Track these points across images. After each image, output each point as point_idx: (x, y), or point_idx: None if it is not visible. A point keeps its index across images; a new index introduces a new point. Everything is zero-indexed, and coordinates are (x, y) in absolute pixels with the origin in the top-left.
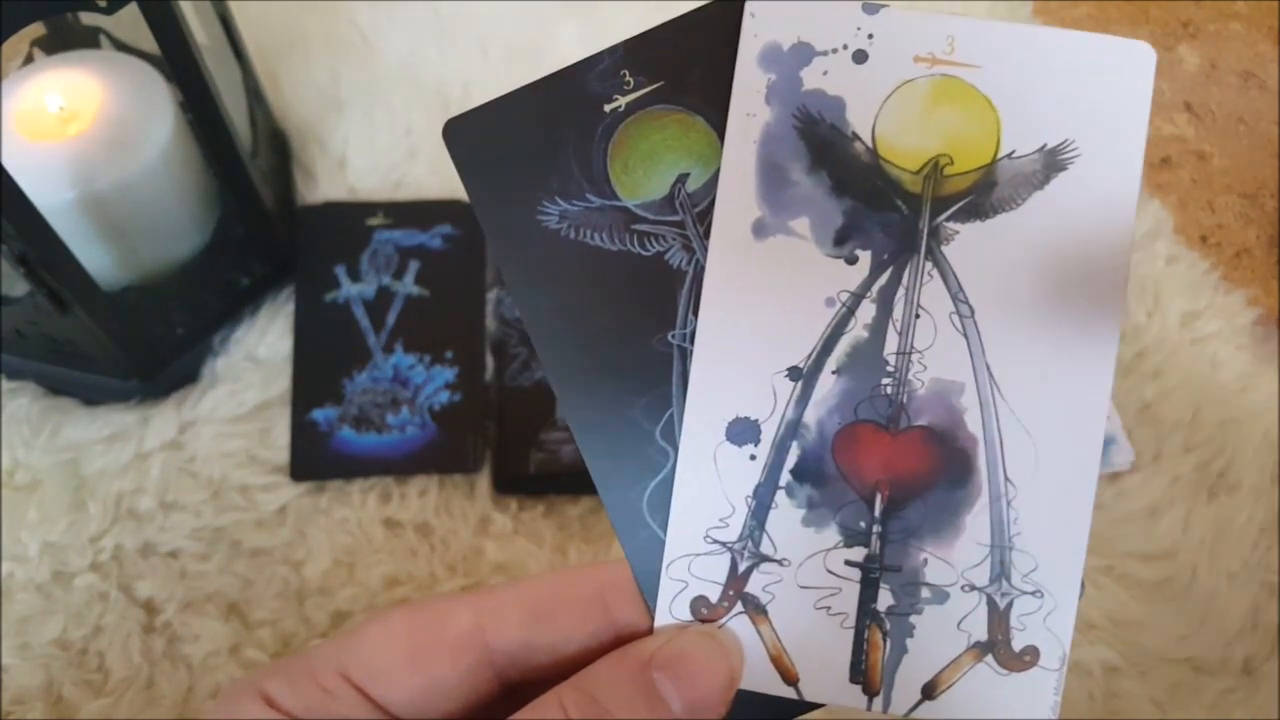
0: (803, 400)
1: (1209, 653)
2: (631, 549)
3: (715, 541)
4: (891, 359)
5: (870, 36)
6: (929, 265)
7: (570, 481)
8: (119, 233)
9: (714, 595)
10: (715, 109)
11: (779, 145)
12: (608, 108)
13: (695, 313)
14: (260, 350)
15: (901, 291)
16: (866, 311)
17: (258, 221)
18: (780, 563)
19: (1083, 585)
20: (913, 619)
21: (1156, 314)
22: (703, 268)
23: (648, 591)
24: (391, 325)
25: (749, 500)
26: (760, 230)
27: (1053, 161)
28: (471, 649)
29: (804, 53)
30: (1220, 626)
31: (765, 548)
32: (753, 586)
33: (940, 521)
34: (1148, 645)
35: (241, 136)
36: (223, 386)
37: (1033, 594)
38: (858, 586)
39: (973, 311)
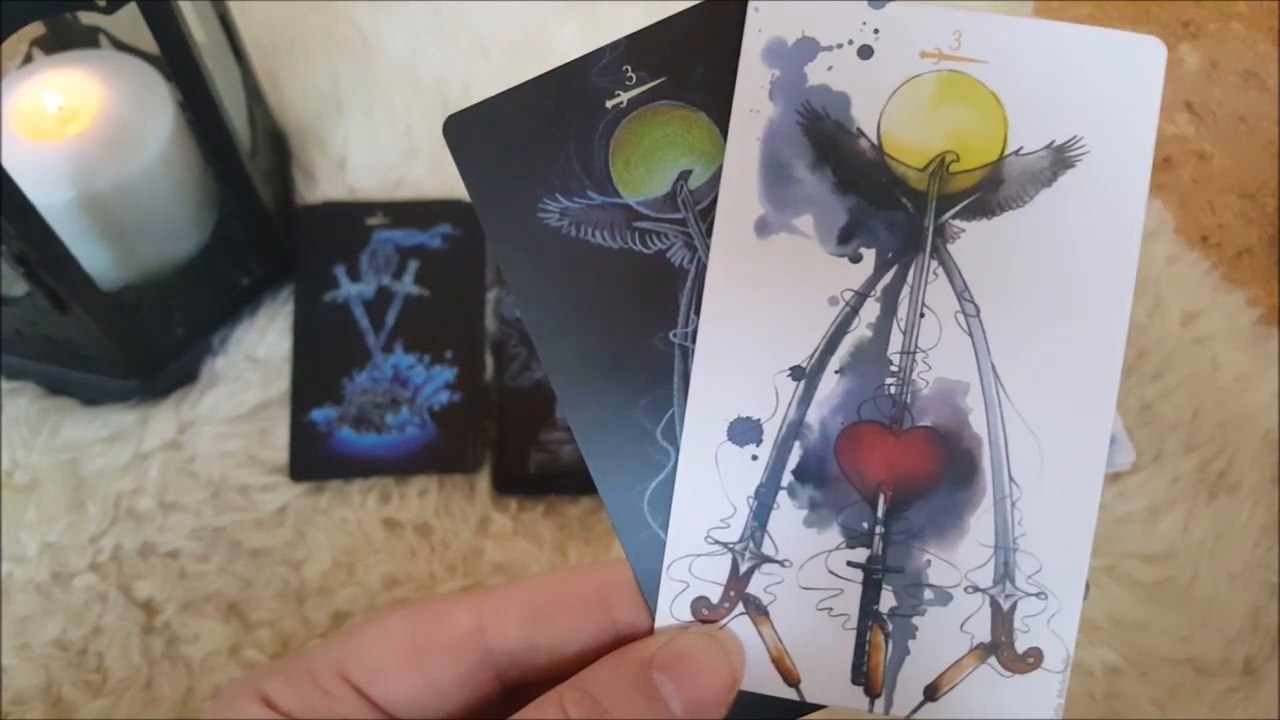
0: (805, 400)
1: (1210, 653)
2: (632, 549)
3: (716, 542)
4: (895, 358)
5: (876, 31)
6: (934, 264)
7: (570, 481)
8: (118, 233)
9: (715, 596)
10: (718, 105)
11: (782, 142)
12: (609, 104)
13: (697, 311)
14: (260, 350)
15: (906, 290)
16: (870, 310)
17: (257, 221)
18: (782, 563)
19: (1087, 587)
20: (915, 620)
21: (1157, 314)
22: (705, 266)
23: (648, 592)
24: (391, 325)
25: (750, 501)
26: (763, 228)
27: (1061, 159)
28: (471, 649)
29: (808, 48)
30: (1221, 627)
31: (767, 548)
32: (754, 587)
33: (944, 523)
34: (1148, 646)
35: (241, 136)
36: (222, 386)
37: (1037, 595)
38: (860, 588)
39: (978, 310)
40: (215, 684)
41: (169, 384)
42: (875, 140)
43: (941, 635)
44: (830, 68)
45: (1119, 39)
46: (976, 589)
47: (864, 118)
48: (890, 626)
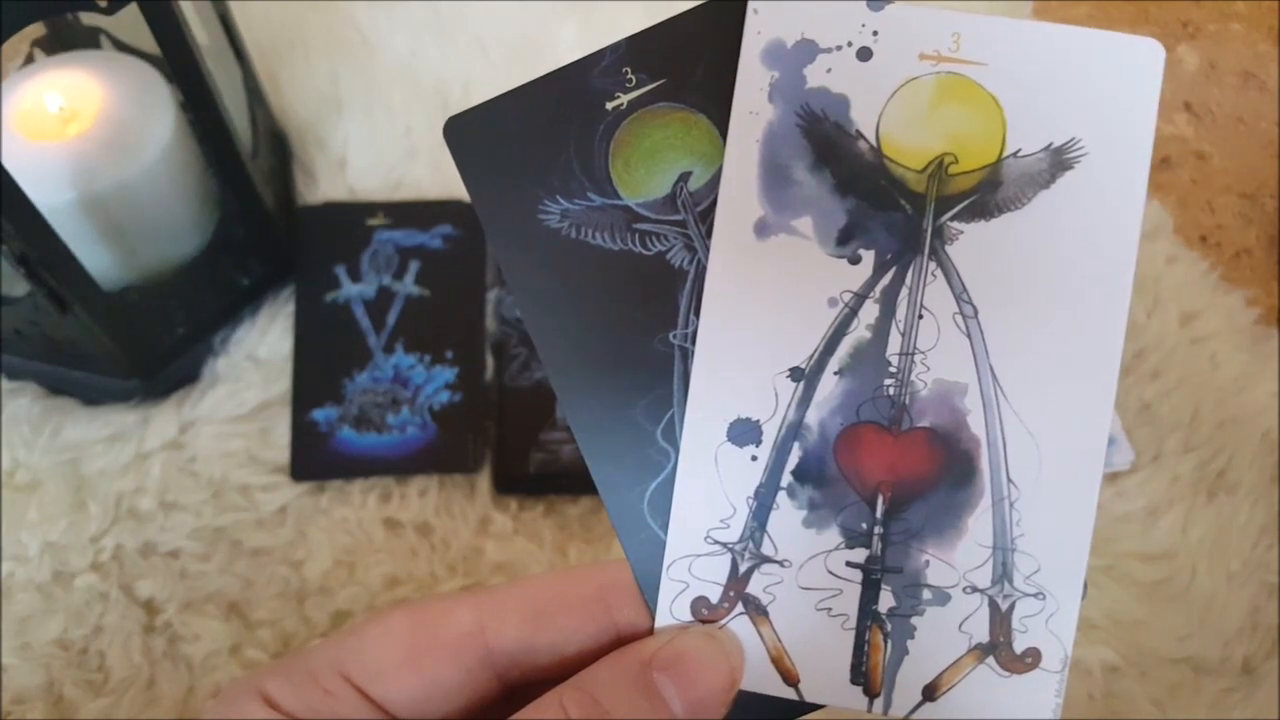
0: (804, 401)
1: (1209, 653)
2: (632, 549)
3: (716, 542)
4: (894, 360)
5: (875, 33)
6: (933, 265)
7: (570, 481)
8: (119, 233)
9: (715, 596)
10: (718, 107)
11: (782, 144)
12: (609, 105)
13: (697, 313)
14: (260, 350)
15: (905, 292)
16: (869, 312)
17: (258, 221)
18: (781, 564)
19: (1085, 587)
20: (914, 620)
21: (1156, 314)
22: (704, 267)
23: (648, 592)
24: (392, 325)
25: (750, 501)
26: (762, 230)
27: (1059, 160)
28: (472, 649)
29: (808, 50)
30: (1220, 626)
31: (766, 549)
32: (753, 587)
33: (942, 523)
34: (1147, 645)
35: (241, 137)
36: (223, 386)
37: (1035, 596)
38: (859, 588)
39: (976, 312)
40: (216, 683)
41: (170, 384)
42: (874, 142)
43: (940, 635)
44: (829, 70)
45: (1117, 41)
46: (975, 589)
47: (863, 119)
48: (889, 626)
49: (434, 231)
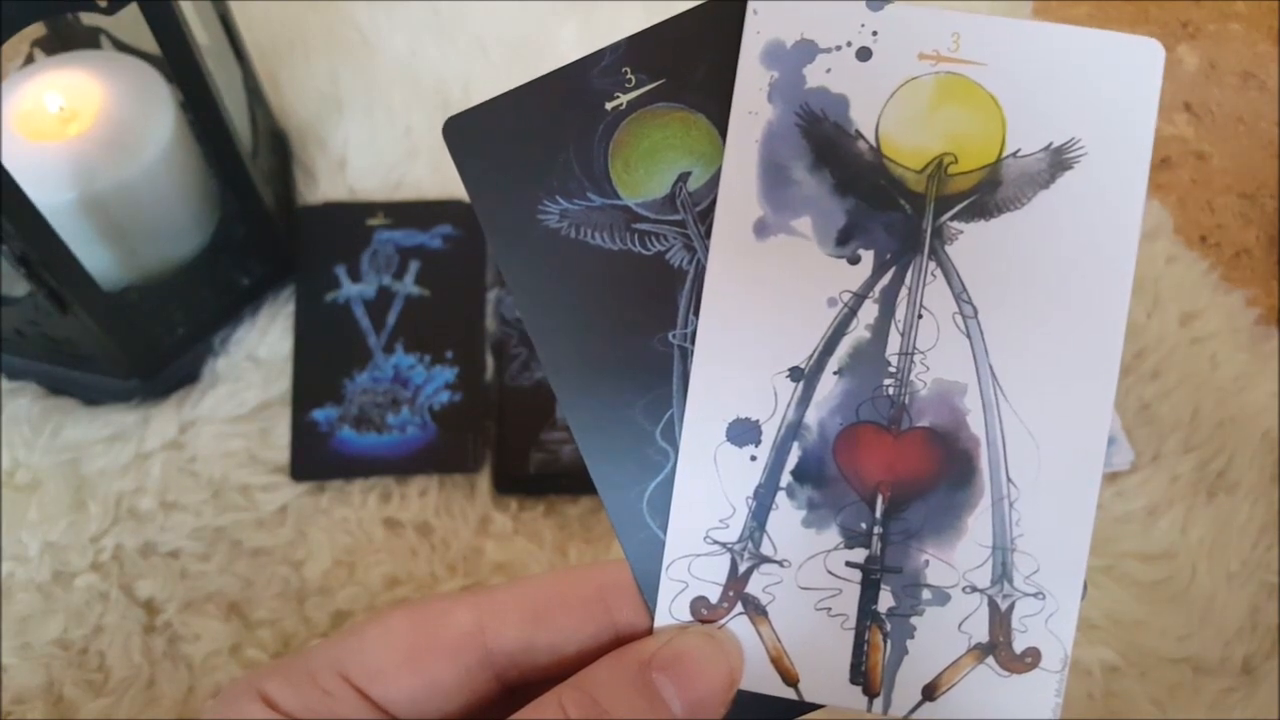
0: (804, 401)
1: (1208, 653)
2: (631, 549)
3: (715, 542)
4: (894, 360)
5: (874, 33)
6: (932, 265)
7: (570, 481)
8: (119, 233)
9: (714, 596)
10: (717, 107)
11: (781, 144)
12: (609, 105)
13: (696, 313)
14: (261, 350)
15: (904, 292)
16: (869, 312)
17: (258, 222)
18: (780, 564)
19: (1085, 587)
20: (913, 620)
21: (1156, 314)
22: (704, 267)
23: (648, 592)
24: (392, 325)
25: (749, 501)
26: (762, 230)
27: (1058, 160)
28: (471, 649)
29: (807, 50)
30: (1220, 626)
31: (765, 549)
32: (753, 587)
33: (942, 523)
34: (1147, 645)
35: (242, 137)
36: (223, 386)
37: (1034, 596)
38: (858, 588)
39: (976, 312)
40: (216, 683)
41: (170, 384)
42: (874, 142)
43: (939, 635)
44: (829, 70)
45: (1117, 41)
46: (974, 589)
47: (862, 119)
48: (888, 626)
49: (434, 231)
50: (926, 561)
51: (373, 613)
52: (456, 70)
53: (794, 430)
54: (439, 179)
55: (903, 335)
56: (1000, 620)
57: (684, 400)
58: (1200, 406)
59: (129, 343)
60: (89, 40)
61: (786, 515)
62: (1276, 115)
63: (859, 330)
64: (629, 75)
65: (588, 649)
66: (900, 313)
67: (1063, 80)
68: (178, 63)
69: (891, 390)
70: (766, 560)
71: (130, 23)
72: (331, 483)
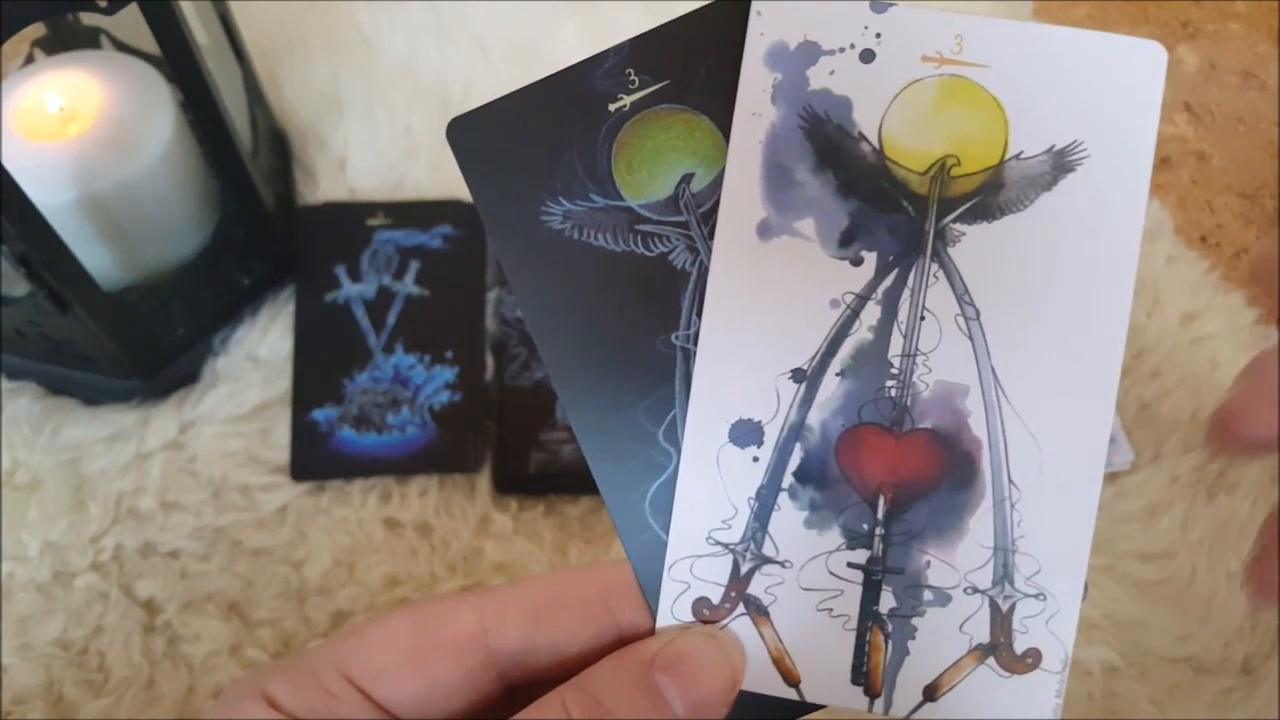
0: (806, 402)
1: (1208, 652)
2: (634, 550)
3: (717, 543)
4: (896, 361)
5: (878, 36)
6: (935, 267)
7: (570, 481)
8: (119, 233)
9: (716, 597)
10: (721, 108)
11: (784, 145)
12: (612, 107)
13: (699, 314)
14: (261, 350)
15: (907, 293)
16: (871, 313)
17: (258, 222)
18: (782, 564)
19: (1086, 588)
20: (915, 621)
21: (1156, 314)
22: (707, 269)
23: (650, 592)
24: (392, 325)
25: (751, 502)
26: (765, 231)
27: (1061, 163)
28: (473, 649)
29: (811, 52)
30: (1220, 626)
31: (767, 549)
32: (755, 588)
33: (943, 524)
34: (1147, 645)
35: (242, 137)
36: (223, 386)
37: (1035, 597)
38: (860, 589)
39: (978, 314)
40: (216, 683)
41: (170, 384)
42: (877, 144)
43: (941, 636)
44: (832, 71)
45: (1120, 43)
46: (976, 590)
47: (866, 121)
48: (890, 627)
49: (434, 231)
50: (928, 562)
51: (374, 613)
52: (457, 70)
53: (796, 431)
54: (439, 179)
55: (905, 337)
56: (1001, 621)
57: (686, 401)
58: (1200, 406)
59: (129, 343)
60: (89, 40)
61: (788, 516)
62: (1276, 115)
63: (861, 332)
64: (632, 76)
65: (590, 649)
66: (903, 314)
67: (1065, 83)
68: (178, 63)
69: (894, 392)
70: (768, 561)
71: (130, 23)
72: (331, 483)
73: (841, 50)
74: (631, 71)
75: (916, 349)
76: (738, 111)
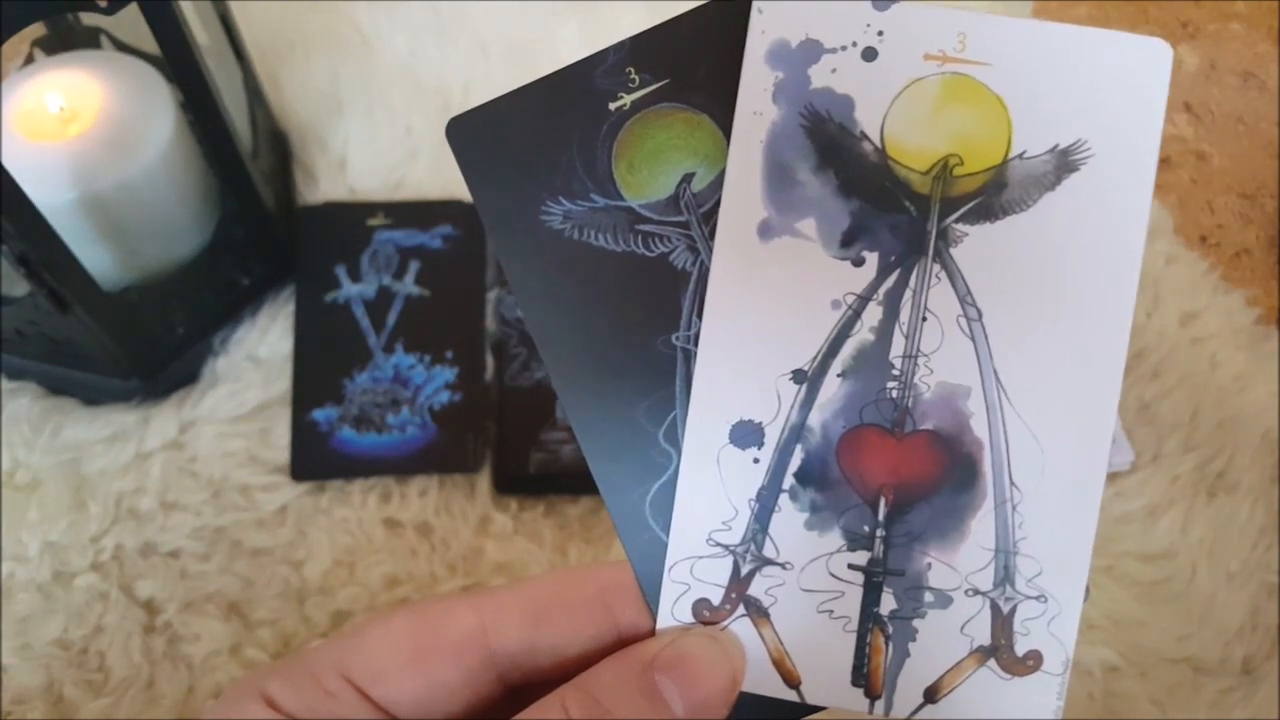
0: (807, 403)
1: (1208, 653)
2: (634, 551)
3: (718, 544)
4: (897, 362)
5: (880, 33)
6: (937, 267)
7: (570, 481)
8: (119, 233)
9: (716, 598)
10: (721, 107)
11: (786, 145)
12: (613, 106)
13: (699, 314)
14: (261, 350)
15: (908, 294)
16: (873, 314)
17: (258, 221)
18: (783, 566)
19: (1087, 590)
20: (915, 623)
21: (1156, 314)
22: (707, 269)
23: (650, 593)
24: (392, 325)
25: (752, 503)
26: (766, 231)
27: (1064, 162)
28: (473, 650)
29: (812, 50)
30: (1220, 626)
31: (768, 551)
32: (755, 589)
33: (945, 526)
34: (1147, 645)
35: (242, 137)
36: (223, 386)
37: (1037, 599)
38: (860, 590)
39: (980, 315)
40: (216, 683)
41: (170, 384)
42: (879, 143)
43: (941, 638)
44: (834, 70)
45: (1125, 41)
46: (977, 592)
47: (867, 120)
48: (890, 629)
49: (434, 231)
50: (929, 564)
51: (374, 614)
52: (456, 71)
53: (797, 433)
54: (439, 179)
55: (907, 338)
56: (1002, 623)
57: (687, 402)
58: (1200, 406)
59: (129, 343)
60: (89, 40)
61: (789, 518)
62: (1276, 115)
63: (863, 333)
64: (633, 75)
65: (590, 650)
66: (904, 315)
67: (1069, 81)
68: (178, 63)
69: (895, 393)
70: (769, 562)
71: (130, 23)
72: (331, 483)
73: (843, 48)
74: (632, 70)
75: (918, 350)
76: (739, 110)
